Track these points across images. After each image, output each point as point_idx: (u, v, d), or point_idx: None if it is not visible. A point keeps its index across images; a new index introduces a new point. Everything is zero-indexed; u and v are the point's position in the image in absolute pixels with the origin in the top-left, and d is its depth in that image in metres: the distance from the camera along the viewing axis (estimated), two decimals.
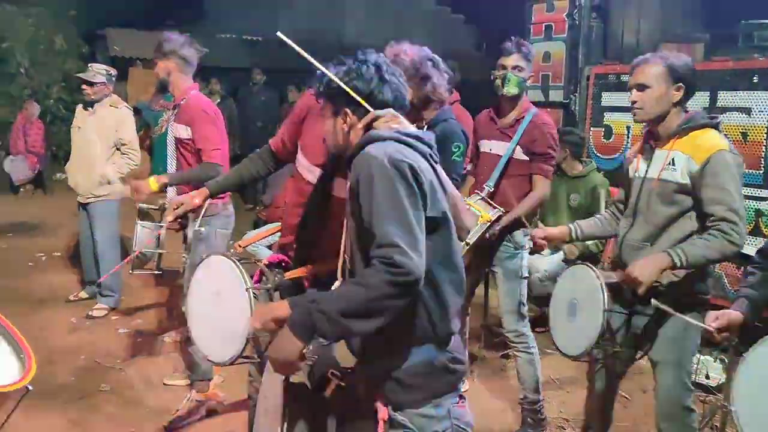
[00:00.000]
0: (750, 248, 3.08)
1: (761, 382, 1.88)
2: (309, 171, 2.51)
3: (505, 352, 4.29)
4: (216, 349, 2.42)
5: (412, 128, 1.90)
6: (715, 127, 2.57)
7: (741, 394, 2.03)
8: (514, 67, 3.37)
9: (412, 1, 15.31)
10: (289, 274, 2.51)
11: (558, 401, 3.94)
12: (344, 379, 1.86)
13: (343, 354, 1.92)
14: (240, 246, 2.91)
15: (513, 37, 3.44)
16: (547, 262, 4.82)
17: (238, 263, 2.36)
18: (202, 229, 3.23)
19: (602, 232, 2.98)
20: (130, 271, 3.68)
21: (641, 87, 2.57)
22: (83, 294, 5.41)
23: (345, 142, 1.90)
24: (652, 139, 2.67)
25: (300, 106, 2.62)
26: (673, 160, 2.54)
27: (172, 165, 3.67)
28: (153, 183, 3.34)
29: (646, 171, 2.65)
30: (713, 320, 2.31)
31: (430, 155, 1.85)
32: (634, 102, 2.60)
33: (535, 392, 3.51)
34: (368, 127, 1.87)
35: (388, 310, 1.65)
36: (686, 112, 2.62)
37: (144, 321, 5.04)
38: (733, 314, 2.31)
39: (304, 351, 1.76)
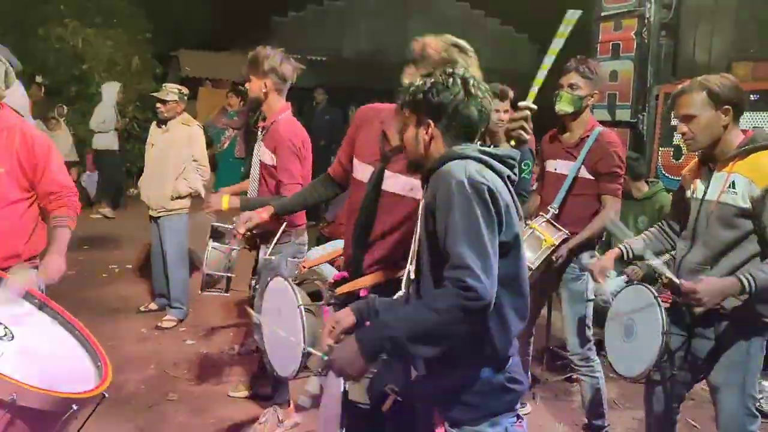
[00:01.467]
0: None
1: None
2: (361, 171, 2.53)
3: (569, 375, 4.21)
4: (280, 364, 2.54)
5: (494, 148, 1.92)
6: None
7: None
8: (570, 85, 3.36)
9: (476, 20, 15.35)
10: (341, 290, 2.58)
11: (623, 426, 3.83)
12: (402, 394, 1.88)
13: (401, 371, 1.95)
14: (304, 267, 2.98)
15: (578, 56, 3.42)
16: (611, 283, 4.71)
17: (291, 282, 2.48)
18: (273, 258, 3.24)
19: (653, 250, 2.91)
20: (200, 292, 3.71)
21: (687, 118, 2.54)
22: (153, 305, 5.59)
23: (425, 152, 1.93)
24: (710, 161, 2.61)
25: (353, 122, 2.66)
26: (733, 183, 2.49)
27: (254, 188, 3.59)
28: (225, 202, 3.37)
29: (705, 193, 2.60)
30: None
31: (508, 176, 1.88)
32: (683, 134, 2.56)
33: (600, 417, 3.44)
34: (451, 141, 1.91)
35: (456, 334, 1.69)
36: (744, 131, 2.55)
37: (210, 333, 5.16)
38: None
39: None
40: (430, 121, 1.91)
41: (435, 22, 14.77)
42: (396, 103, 1.99)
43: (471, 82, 1.90)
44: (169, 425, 3.74)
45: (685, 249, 2.68)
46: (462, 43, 2.33)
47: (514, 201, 1.86)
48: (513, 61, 12.81)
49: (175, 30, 12.66)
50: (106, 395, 2.29)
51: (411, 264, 1.92)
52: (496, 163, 1.86)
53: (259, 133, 3.59)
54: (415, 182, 2.42)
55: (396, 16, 14.63)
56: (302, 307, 2.39)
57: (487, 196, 1.73)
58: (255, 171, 3.58)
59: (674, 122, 5.10)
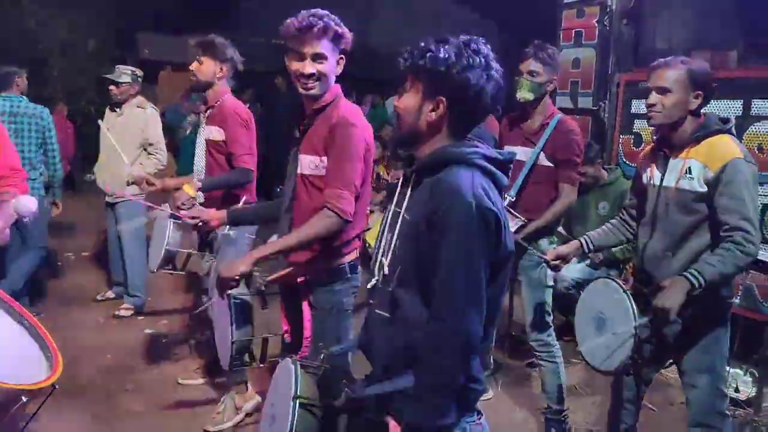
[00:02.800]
0: None
1: None
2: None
3: (530, 360, 4.24)
4: (221, 353, 2.73)
5: (496, 151, 1.78)
6: (729, 132, 2.54)
7: None
8: (530, 72, 3.35)
9: (444, 6, 15.31)
10: (272, 278, 2.59)
11: (583, 411, 3.88)
12: (357, 390, 1.81)
13: (358, 365, 1.90)
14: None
15: (535, 42, 3.41)
16: (573, 270, 4.76)
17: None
18: (232, 233, 3.24)
19: (612, 241, 2.97)
20: (153, 270, 3.66)
21: (661, 90, 2.54)
22: (110, 294, 5.49)
23: (423, 129, 1.74)
24: (666, 147, 2.64)
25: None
26: (689, 168, 2.52)
27: (200, 167, 3.65)
28: (190, 188, 3.33)
29: (662, 179, 2.62)
30: None
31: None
32: (652, 105, 2.57)
33: (560, 402, 3.47)
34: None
35: (457, 375, 1.67)
36: (700, 117, 2.58)
37: (169, 322, 5.08)
38: None
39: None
40: (444, 99, 1.69)
41: (403, 9, 14.72)
42: (400, 61, 1.75)
43: (493, 64, 1.70)
44: (126, 415, 3.67)
45: (646, 236, 2.70)
46: None
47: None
48: None
49: (134, 12, 12.32)
50: (57, 386, 2.23)
51: (385, 257, 1.81)
52: (500, 173, 1.74)
53: (202, 115, 3.69)
54: (318, 160, 2.46)
55: (365, 2, 14.51)
56: (232, 296, 2.46)
57: (493, 223, 1.63)
58: (201, 150, 3.64)
59: (634, 110, 5.15)
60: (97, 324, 4.99)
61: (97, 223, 6.71)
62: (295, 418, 1.79)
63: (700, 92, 2.52)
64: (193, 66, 3.58)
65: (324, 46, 2.45)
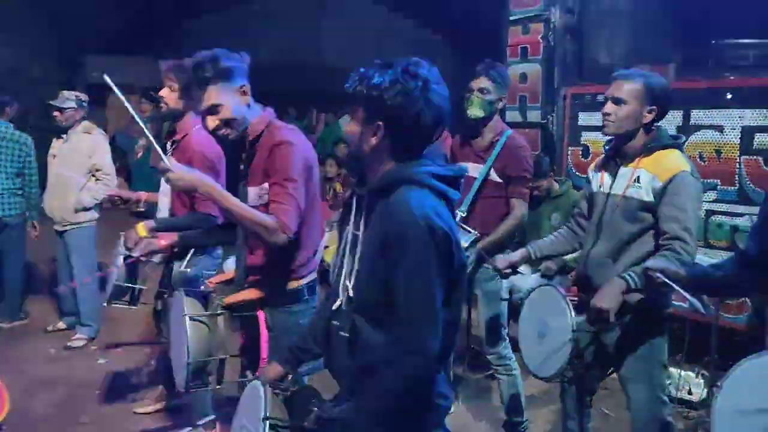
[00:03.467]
0: None
1: (738, 408, 1.86)
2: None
3: (489, 372, 4.27)
4: (177, 376, 2.67)
5: (446, 167, 1.80)
6: (679, 147, 2.64)
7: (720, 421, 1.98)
8: (480, 90, 3.40)
9: (392, 22, 15.44)
10: (227, 300, 2.60)
11: (543, 420, 3.93)
12: (326, 410, 1.80)
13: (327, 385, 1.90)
14: (212, 282, 2.95)
15: (486, 60, 3.48)
16: (528, 281, 4.83)
17: (182, 293, 2.61)
18: (188, 270, 3.21)
19: (561, 249, 3.02)
20: (105, 303, 3.56)
21: (616, 100, 2.62)
22: (61, 324, 5.35)
23: (369, 154, 1.76)
24: (618, 156, 2.71)
25: None
26: (638, 177, 2.59)
27: (165, 201, 3.49)
28: (141, 229, 3.18)
29: (611, 187, 2.69)
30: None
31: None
32: (607, 114, 2.63)
33: (518, 413, 3.51)
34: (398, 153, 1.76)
35: (409, 398, 1.68)
36: (653, 130, 2.66)
37: (124, 351, 4.97)
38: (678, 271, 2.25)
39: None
40: (381, 124, 1.72)
41: (351, 25, 14.80)
42: (346, 87, 1.78)
43: (433, 86, 1.71)
44: None
45: (591, 242, 2.76)
46: None
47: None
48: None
49: (80, 35, 12.12)
50: (4, 427, 2.17)
51: (348, 280, 1.82)
52: (450, 190, 1.76)
53: (169, 146, 3.47)
54: (260, 190, 2.47)
55: (312, 19, 14.54)
56: (187, 317, 2.45)
57: (443, 242, 1.65)
58: (165, 185, 3.43)
59: (582, 122, 5.28)
60: (49, 356, 4.85)
61: (45, 252, 6.52)
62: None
63: (654, 107, 2.59)
64: (164, 92, 3.34)
65: (211, 96, 2.43)
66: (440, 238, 1.64)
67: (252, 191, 2.52)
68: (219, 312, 2.61)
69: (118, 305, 3.51)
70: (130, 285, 3.43)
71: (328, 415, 1.78)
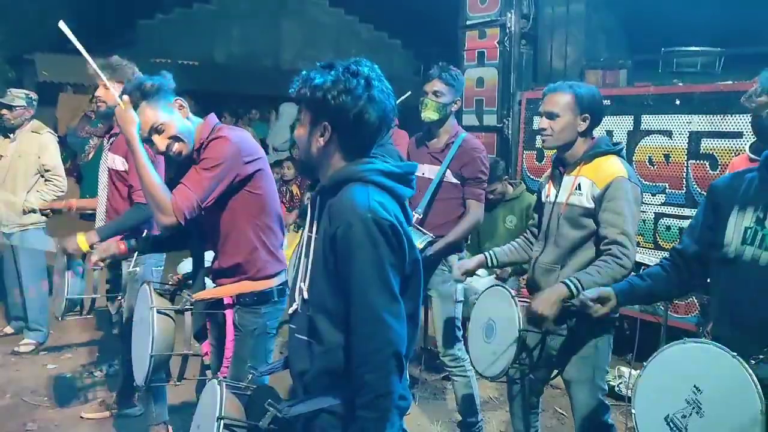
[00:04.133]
0: None
1: (658, 390, 1.99)
2: None
3: (445, 374, 4.31)
4: (137, 370, 2.65)
5: (394, 164, 1.80)
6: (618, 153, 2.70)
7: (640, 403, 2.09)
8: (434, 92, 3.44)
9: (349, 25, 15.45)
10: (197, 295, 2.59)
11: (498, 420, 3.97)
12: (282, 410, 1.77)
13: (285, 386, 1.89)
14: (178, 277, 2.92)
15: (440, 63, 3.52)
16: (483, 283, 4.88)
17: (151, 287, 2.60)
18: (137, 269, 3.18)
19: (517, 258, 3.05)
20: (59, 318, 3.46)
21: (550, 115, 2.68)
22: (9, 329, 5.18)
23: (318, 156, 1.78)
24: (561, 165, 2.78)
25: None
26: (579, 185, 2.66)
27: (103, 196, 3.51)
28: (83, 243, 3.11)
29: (556, 196, 2.75)
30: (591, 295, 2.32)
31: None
32: (543, 129, 2.70)
33: (473, 414, 3.53)
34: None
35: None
36: (592, 138, 2.73)
37: (74, 356, 4.84)
38: (606, 291, 2.31)
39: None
40: (327, 124, 1.73)
41: (309, 27, 14.74)
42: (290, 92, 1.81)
43: (375, 83, 1.73)
44: None
45: (539, 250, 2.82)
46: None
47: (408, 220, 1.80)
48: (387, 66, 13.03)
49: (30, 32, 11.80)
50: None
51: (303, 282, 1.80)
52: (398, 186, 1.77)
53: (106, 141, 3.51)
54: None
55: (269, 21, 14.43)
56: (155, 309, 2.42)
57: (391, 234, 1.66)
58: (103, 179, 3.49)
59: (536, 126, 5.37)
60: None
61: None
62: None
63: (587, 115, 2.66)
64: (100, 92, 3.38)
65: (152, 115, 2.46)
66: (387, 230, 1.65)
67: None
68: (187, 308, 2.60)
69: (72, 317, 3.43)
70: (83, 296, 3.35)
71: (284, 415, 1.76)
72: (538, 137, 5.29)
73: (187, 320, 2.60)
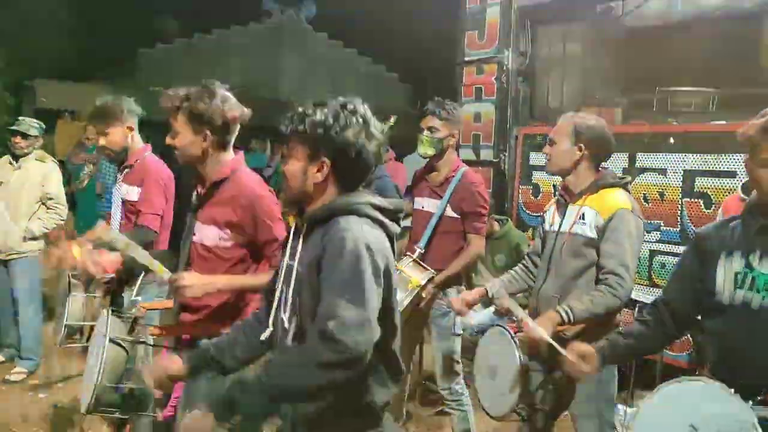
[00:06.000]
0: None
1: (655, 427, 2.00)
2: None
3: (440, 408, 4.27)
4: (84, 397, 2.58)
5: (383, 200, 1.83)
6: (623, 186, 2.75)
7: None
8: (429, 128, 3.49)
9: (347, 58, 15.61)
10: (152, 330, 2.63)
11: None
12: None
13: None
14: (144, 307, 2.91)
15: (435, 99, 3.57)
16: (479, 316, 4.87)
17: (109, 312, 2.59)
18: (139, 298, 3.16)
19: (517, 287, 3.07)
20: (58, 345, 3.43)
21: (551, 141, 2.78)
22: (0, 357, 5.13)
23: (311, 190, 1.80)
24: (567, 195, 2.81)
25: None
26: (583, 214, 2.69)
27: (116, 227, 3.43)
28: (76, 250, 3.17)
29: (560, 225, 2.79)
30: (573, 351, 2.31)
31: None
32: (545, 153, 2.82)
33: None
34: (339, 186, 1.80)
35: (324, 389, 1.60)
36: (598, 170, 2.78)
37: (65, 386, 4.79)
38: (589, 348, 2.29)
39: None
40: (326, 160, 1.76)
41: (308, 59, 14.90)
42: (282, 129, 1.82)
43: (371, 121, 1.80)
44: None
45: (541, 279, 2.84)
46: None
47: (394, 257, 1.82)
48: (385, 99, 13.15)
49: (30, 59, 11.91)
50: None
51: (284, 312, 1.81)
52: (388, 222, 1.79)
53: (119, 173, 3.49)
54: (222, 233, 2.48)
55: (268, 52, 14.60)
56: (108, 338, 2.39)
57: (381, 265, 1.67)
58: (117, 213, 3.45)
59: (532, 161, 5.42)
60: None
61: None
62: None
63: (582, 145, 2.72)
64: (101, 141, 3.40)
65: (179, 124, 2.49)
66: (377, 258, 1.67)
67: (206, 229, 2.52)
68: (141, 340, 2.59)
69: (72, 345, 3.41)
70: (84, 323, 3.33)
71: None
72: (535, 172, 5.40)
73: (140, 353, 2.58)
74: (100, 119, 3.39)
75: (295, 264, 1.81)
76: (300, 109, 1.79)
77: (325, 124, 1.74)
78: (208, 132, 2.46)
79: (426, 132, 3.49)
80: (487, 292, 3.04)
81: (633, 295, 3.03)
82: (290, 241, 1.88)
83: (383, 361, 1.75)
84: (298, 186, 1.81)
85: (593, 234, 2.65)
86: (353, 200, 1.77)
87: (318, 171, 1.78)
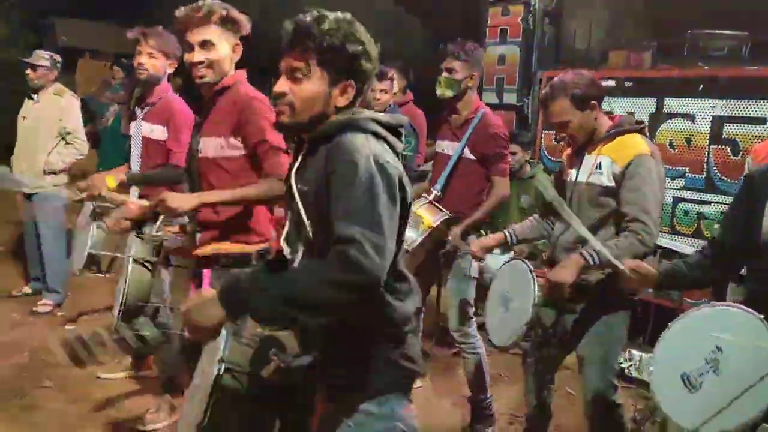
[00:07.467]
0: (691, 250, 3.19)
1: (679, 348, 2.06)
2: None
3: (456, 349, 4.33)
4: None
5: (384, 115, 1.74)
6: (641, 131, 2.68)
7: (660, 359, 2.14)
8: (447, 69, 3.42)
9: (371, 2, 15.28)
10: (176, 250, 2.65)
11: (507, 397, 4.00)
12: (286, 361, 1.72)
13: (289, 337, 1.80)
14: (167, 230, 2.94)
15: (458, 40, 3.49)
16: (498, 262, 4.89)
17: (134, 234, 2.68)
18: (160, 233, 3.19)
19: (536, 234, 3.07)
20: (77, 272, 3.49)
21: (563, 125, 2.68)
22: (27, 289, 5.28)
23: (331, 113, 1.66)
24: (583, 146, 2.76)
25: None
26: (600, 164, 2.65)
27: (136, 165, 3.46)
28: (111, 180, 3.18)
29: (577, 175, 2.74)
30: (632, 264, 2.35)
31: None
32: (563, 137, 2.74)
33: (483, 391, 3.56)
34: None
35: (337, 308, 1.51)
36: (611, 116, 2.71)
37: (90, 318, 4.91)
38: (651, 270, 2.33)
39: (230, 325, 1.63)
40: (351, 82, 1.64)
41: (331, 2, 14.62)
42: (289, 47, 1.64)
43: (366, 33, 1.66)
44: (44, 413, 3.55)
45: (561, 229, 2.82)
46: None
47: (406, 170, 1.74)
48: (404, 42, 12.89)
49: None
50: None
51: (294, 233, 1.72)
52: (392, 137, 1.70)
53: (139, 110, 3.48)
54: (223, 141, 2.50)
55: None
56: (131, 258, 2.41)
57: (396, 181, 1.58)
58: (138, 148, 3.45)
59: None
60: (13, 321, 4.78)
61: (12, 215, 6.41)
62: (218, 381, 1.73)
63: (593, 103, 2.64)
64: (144, 59, 3.33)
65: (210, 33, 2.47)
66: (389, 171, 1.58)
67: (209, 141, 2.54)
68: (170, 264, 2.64)
69: (90, 273, 3.47)
70: (105, 253, 3.38)
71: (287, 365, 1.71)
72: None
73: (164, 274, 2.57)
74: (155, 38, 3.34)
75: (293, 183, 1.71)
76: (308, 19, 1.61)
77: (340, 37, 1.60)
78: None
79: (444, 73, 3.43)
80: (506, 237, 3.04)
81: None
82: (291, 158, 1.81)
83: (395, 276, 1.66)
84: (317, 110, 1.66)
85: (610, 182, 2.61)
86: (356, 116, 1.66)
87: (341, 94, 1.66)
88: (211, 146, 2.54)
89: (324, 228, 1.59)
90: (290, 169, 1.78)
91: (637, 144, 2.62)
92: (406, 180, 1.65)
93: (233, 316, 1.57)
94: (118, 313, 2.51)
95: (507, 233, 3.06)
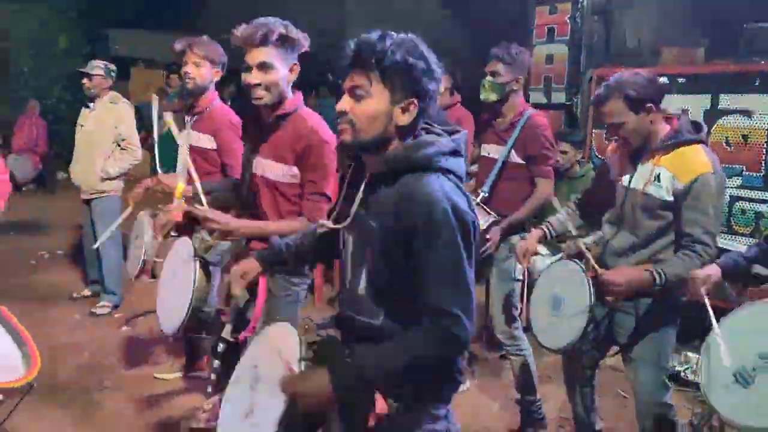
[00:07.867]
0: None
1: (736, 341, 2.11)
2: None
3: (503, 352, 4.30)
4: (166, 320, 2.64)
5: (445, 139, 1.69)
6: (702, 141, 2.57)
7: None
8: (492, 73, 3.40)
9: (415, 5, 15.29)
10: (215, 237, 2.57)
11: (557, 400, 3.94)
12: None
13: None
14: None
15: (503, 42, 3.46)
16: (546, 263, 4.83)
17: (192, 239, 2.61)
18: (209, 238, 3.24)
19: (572, 224, 3.02)
20: (133, 278, 3.57)
21: (616, 126, 2.59)
22: (87, 291, 5.45)
23: (393, 133, 1.64)
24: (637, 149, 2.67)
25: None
26: (658, 175, 2.55)
27: (184, 173, 3.55)
28: (181, 185, 3.21)
29: (630, 181, 2.67)
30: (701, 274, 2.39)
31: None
32: (616, 138, 2.65)
33: (531, 393, 3.52)
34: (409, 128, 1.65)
35: (436, 372, 1.66)
36: (670, 120, 2.61)
37: (147, 319, 5.05)
38: (719, 276, 2.40)
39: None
40: (414, 100, 1.60)
41: (378, 8, 14.68)
42: (351, 65, 1.62)
43: (430, 52, 1.64)
44: (104, 413, 3.66)
45: (612, 233, 2.75)
46: None
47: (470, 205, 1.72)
48: (451, 43, 12.87)
49: (105, 8, 12.18)
50: (35, 384, 2.23)
51: (355, 267, 1.74)
52: (456, 164, 1.67)
53: (188, 119, 3.54)
54: (287, 168, 2.54)
55: (338, 2, 14.45)
56: (198, 259, 2.44)
57: (471, 229, 1.60)
58: (185, 157, 3.49)
59: None
60: (74, 322, 4.96)
61: (71, 221, 6.65)
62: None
63: (649, 105, 2.53)
64: (190, 69, 3.39)
65: (268, 54, 2.46)
66: (466, 221, 1.60)
67: (270, 164, 2.59)
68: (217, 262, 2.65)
69: (145, 279, 3.54)
70: (158, 260, 3.43)
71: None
72: None
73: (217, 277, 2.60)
74: (202, 50, 3.38)
75: (366, 218, 1.70)
76: (386, 43, 1.57)
77: (420, 62, 1.58)
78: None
79: (489, 77, 3.41)
80: (545, 233, 3.01)
81: None
82: (347, 188, 1.81)
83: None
84: (378, 129, 1.62)
85: (670, 197, 2.52)
86: (424, 152, 1.62)
87: (402, 113, 1.61)
88: (270, 169, 2.59)
89: (389, 266, 1.65)
90: (347, 198, 1.80)
91: (699, 159, 2.50)
92: (477, 223, 1.67)
93: (341, 400, 1.63)
94: (184, 316, 2.52)
95: (545, 228, 3.03)
